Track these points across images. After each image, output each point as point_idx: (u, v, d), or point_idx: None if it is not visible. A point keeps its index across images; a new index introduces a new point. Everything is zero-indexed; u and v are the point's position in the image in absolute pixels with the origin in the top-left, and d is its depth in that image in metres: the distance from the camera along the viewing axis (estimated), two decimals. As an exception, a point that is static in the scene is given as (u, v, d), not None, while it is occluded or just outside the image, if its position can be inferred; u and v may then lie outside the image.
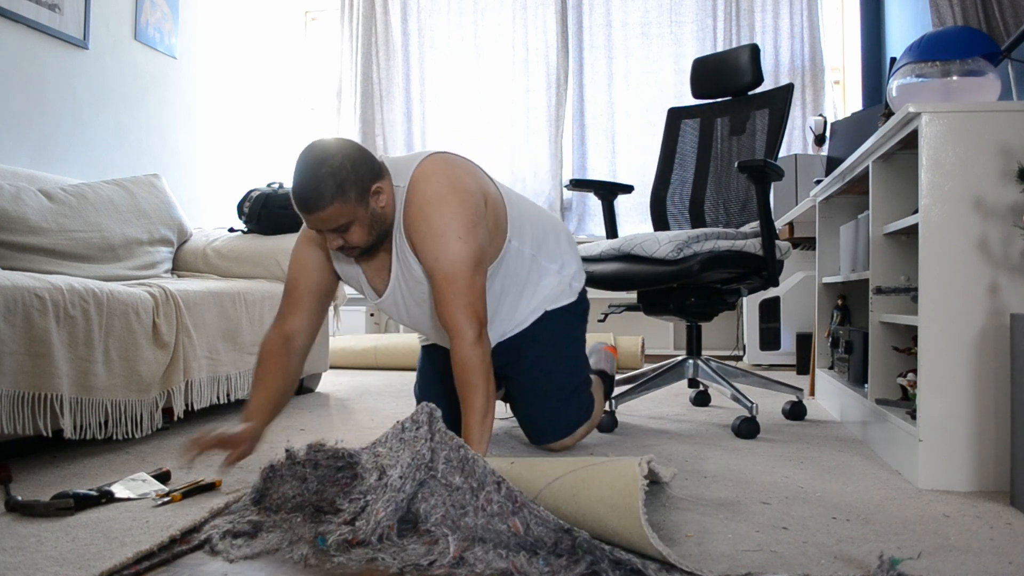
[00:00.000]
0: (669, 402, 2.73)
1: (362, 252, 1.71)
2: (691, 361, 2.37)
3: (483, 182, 1.80)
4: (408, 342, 3.87)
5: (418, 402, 1.97)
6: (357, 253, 1.71)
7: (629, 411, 2.50)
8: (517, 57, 4.48)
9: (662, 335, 4.41)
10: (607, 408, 2.19)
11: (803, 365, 3.55)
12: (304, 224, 1.82)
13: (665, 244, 2.06)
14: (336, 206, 1.59)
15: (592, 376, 2.08)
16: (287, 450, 1.35)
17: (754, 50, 2.48)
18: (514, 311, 1.91)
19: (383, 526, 1.14)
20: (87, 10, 3.10)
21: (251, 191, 2.98)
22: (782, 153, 3.52)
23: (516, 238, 1.85)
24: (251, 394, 1.72)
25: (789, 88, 2.42)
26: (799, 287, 3.70)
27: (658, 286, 2.16)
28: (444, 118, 4.56)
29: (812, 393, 2.87)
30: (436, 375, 2.03)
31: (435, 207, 1.66)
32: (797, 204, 3.40)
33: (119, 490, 1.45)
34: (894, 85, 1.91)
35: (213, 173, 4.03)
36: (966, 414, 1.55)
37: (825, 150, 3.73)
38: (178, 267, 2.92)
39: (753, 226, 2.31)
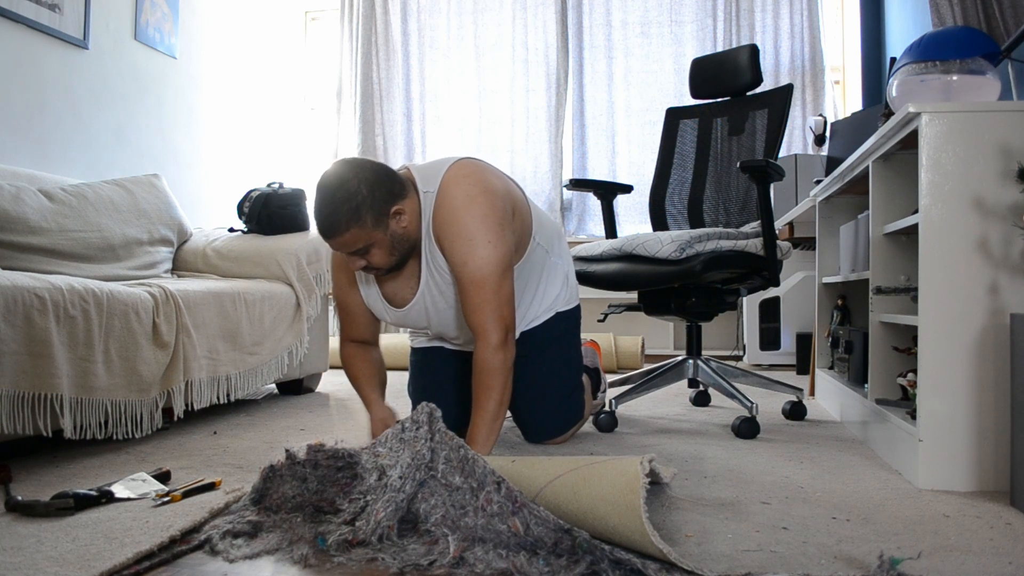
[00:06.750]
0: (669, 402, 2.73)
1: (387, 271, 1.73)
2: (691, 361, 2.37)
3: (509, 185, 1.83)
4: (407, 342, 3.86)
5: (414, 403, 1.98)
6: (382, 273, 1.74)
7: (629, 411, 2.50)
8: (517, 57, 4.48)
9: (662, 335, 4.40)
10: (607, 408, 2.19)
11: (803, 365, 3.55)
12: None
13: (668, 244, 2.06)
14: (353, 232, 1.61)
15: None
16: (287, 450, 1.35)
17: (753, 50, 2.48)
18: (528, 308, 1.94)
19: (383, 526, 1.14)
20: (87, 10, 3.10)
21: (251, 191, 2.98)
22: (782, 153, 3.52)
23: (539, 235, 1.90)
24: (358, 389, 1.89)
25: (788, 88, 2.42)
26: (799, 287, 3.70)
27: (660, 286, 2.17)
28: (444, 118, 4.56)
29: (812, 393, 2.87)
30: (433, 377, 2.04)
31: (465, 209, 1.67)
32: (797, 204, 3.40)
33: (119, 490, 1.45)
34: (894, 85, 1.91)
35: (213, 173, 4.03)
36: (966, 414, 1.55)
37: (825, 150, 3.73)
38: (178, 267, 2.92)
39: (753, 226, 2.31)
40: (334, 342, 3.84)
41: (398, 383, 3.26)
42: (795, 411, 2.39)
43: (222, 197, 4.04)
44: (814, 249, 2.98)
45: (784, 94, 2.41)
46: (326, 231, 1.63)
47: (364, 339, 1.91)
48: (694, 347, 2.40)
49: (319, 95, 4.88)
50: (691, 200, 2.61)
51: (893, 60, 2.43)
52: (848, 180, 2.24)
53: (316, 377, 3.07)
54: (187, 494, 1.44)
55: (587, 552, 1.05)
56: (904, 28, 3.56)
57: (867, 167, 1.99)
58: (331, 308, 3.22)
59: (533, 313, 1.95)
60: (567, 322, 2.01)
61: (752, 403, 2.13)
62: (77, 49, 3.09)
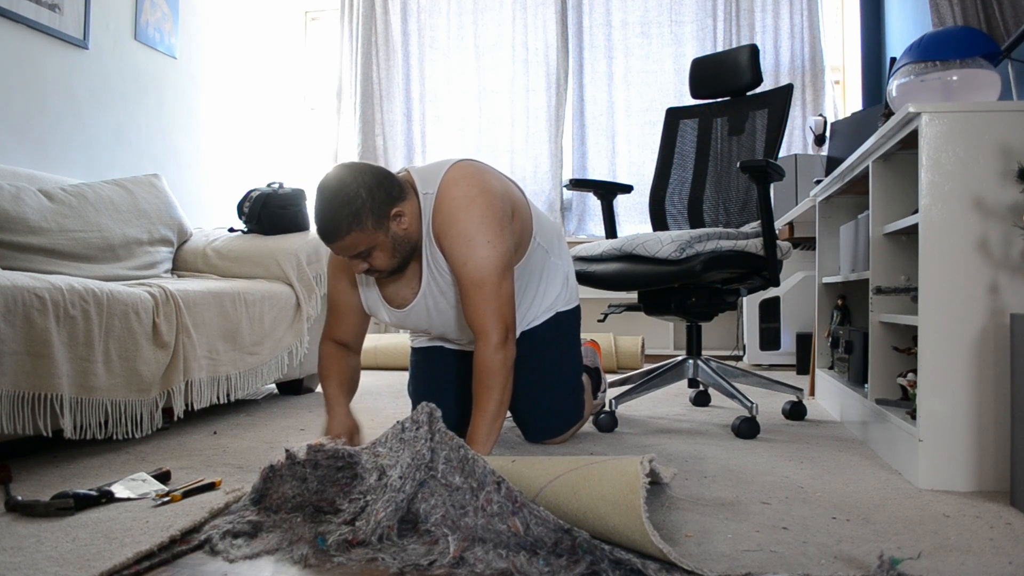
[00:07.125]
0: (669, 402, 2.73)
1: (389, 273, 1.73)
2: (691, 361, 2.37)
3: (508, 185, 1.83)
4: (407, 342, 3.86)
5: (414, 403, 1.99)
6: (384, 275, 1.74)
7: (629, 411, 2.50)
8: (517, 57, 4.48)
9: (662, 335, 4.41)
10: (607, 408, 2.20)
11: (803, 365, 3.55)
12: None
13: (668, 244, 2.06)
14: (354, 235, 1.62)
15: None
16: (287, 450, 1.35)
17: (753, 50, 2.48)
18: (528, 308, 1.94)
19: (383, 526, 1.14)
20: (87, 10, 3.10)
21: (251, 191, 2.98)
22: (782, 153, 3.52)
23: (539, 235, 1.90)
24: (324, 389, 1.86)
25: (788, 88, 2.42)
26: (799, 287, 3.70)
27: (660, 286, 2.17)
28: (444, 118, 4.56)
29: (812, 393, 2.87)
30: (433, 377, 2.04)
31: (465, 210, 1.68)
32: (797, 204, 3.40)
33: (119, 490, 1.45)
34: (894, 85, 1.91)
35: (213, 173, 4.03)
36: (966, 414, 1.55)
37: (825, 150, 3.73)
38: (178, 267, 2.92)
39: (753, 226, 2.31)
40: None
41: (398, 383, 3.26)
42: (795, 411, 2.39)
43: (222, 197, 4.04)
44: (814, 249, 2.98)
45: (784, 94, 2.41)
46: (327, 235, 1.63)
47: (346, 342, 1.90)
48: (694, 347, 2.40)
49: (319, 95, 4.88)
50: (691, 200, 2.61)
51: (893, 60, 2.43)
52: (848, 180, 2.24)
53: (316, 377, 3.06)
54: (187, 494, 1.44)
55: (587, 552, 1.05)
56: (904, 28, 3.56)
57: (867, 167, 1.99)
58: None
59: (533, 313, 1.96)
60: (567, 322, 2.01)
61: (752, 403, 2.13)
62: (77, 49, 3.09)
